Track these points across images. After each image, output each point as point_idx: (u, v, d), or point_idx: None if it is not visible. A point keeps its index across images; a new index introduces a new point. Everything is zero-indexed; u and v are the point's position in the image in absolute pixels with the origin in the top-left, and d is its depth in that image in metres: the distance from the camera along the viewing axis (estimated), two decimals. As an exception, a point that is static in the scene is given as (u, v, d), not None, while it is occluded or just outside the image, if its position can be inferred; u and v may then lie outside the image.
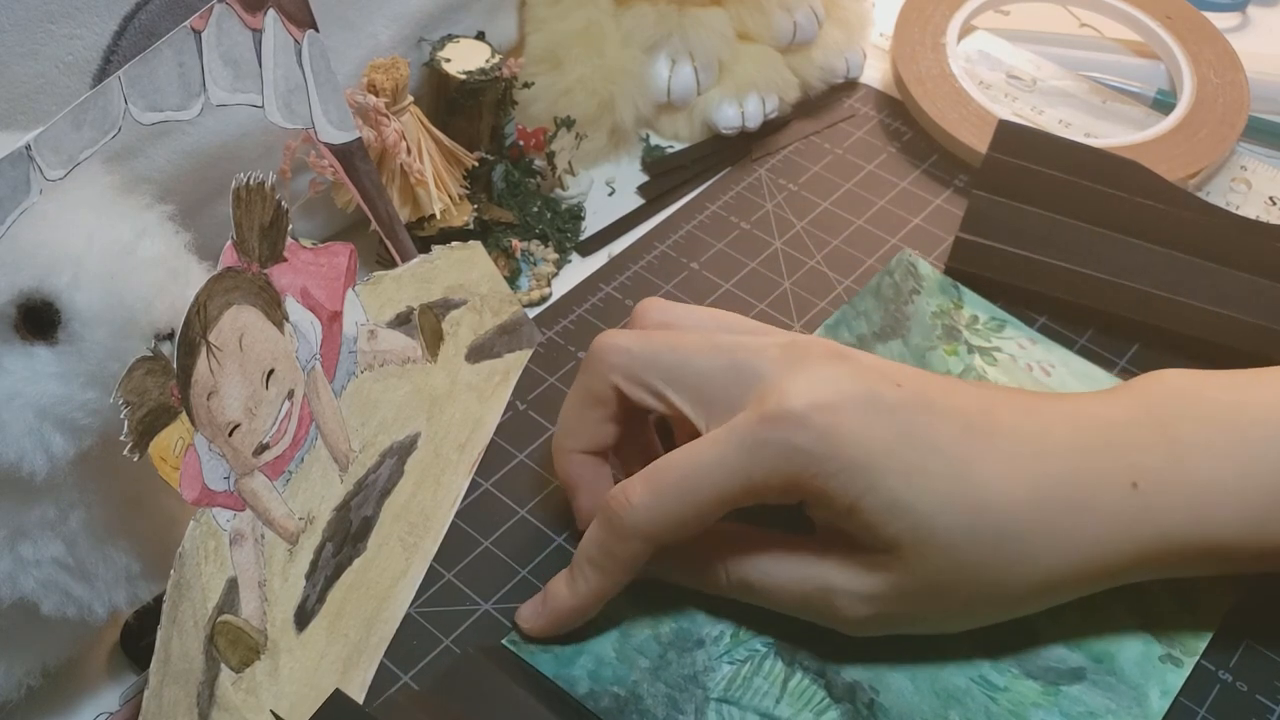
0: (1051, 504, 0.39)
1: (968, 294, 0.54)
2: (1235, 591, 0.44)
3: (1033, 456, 0.39)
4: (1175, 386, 0.42)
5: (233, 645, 0.37)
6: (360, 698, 0.40)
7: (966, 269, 0.54)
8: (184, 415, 0.35)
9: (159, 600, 0.35)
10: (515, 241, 0.55)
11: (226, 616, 0.36)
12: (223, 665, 0.36)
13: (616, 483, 0.41)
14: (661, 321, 0.43)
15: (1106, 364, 0.52)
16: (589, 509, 0.43)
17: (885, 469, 0.37)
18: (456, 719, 0.39)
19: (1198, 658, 0.42)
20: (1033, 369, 0.51)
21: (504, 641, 0.42)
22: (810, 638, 0.42)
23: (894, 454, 0.38)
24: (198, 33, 0.38)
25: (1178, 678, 0.42)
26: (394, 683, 0.41)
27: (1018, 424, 0.40)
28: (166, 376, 0.35)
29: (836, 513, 0.39)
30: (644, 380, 0.41)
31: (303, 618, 0.39)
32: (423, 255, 0.47)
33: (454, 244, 0.49)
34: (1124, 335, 0.53)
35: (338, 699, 0.38)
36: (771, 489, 0.38)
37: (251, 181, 0.38)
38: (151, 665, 0.35)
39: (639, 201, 0.60)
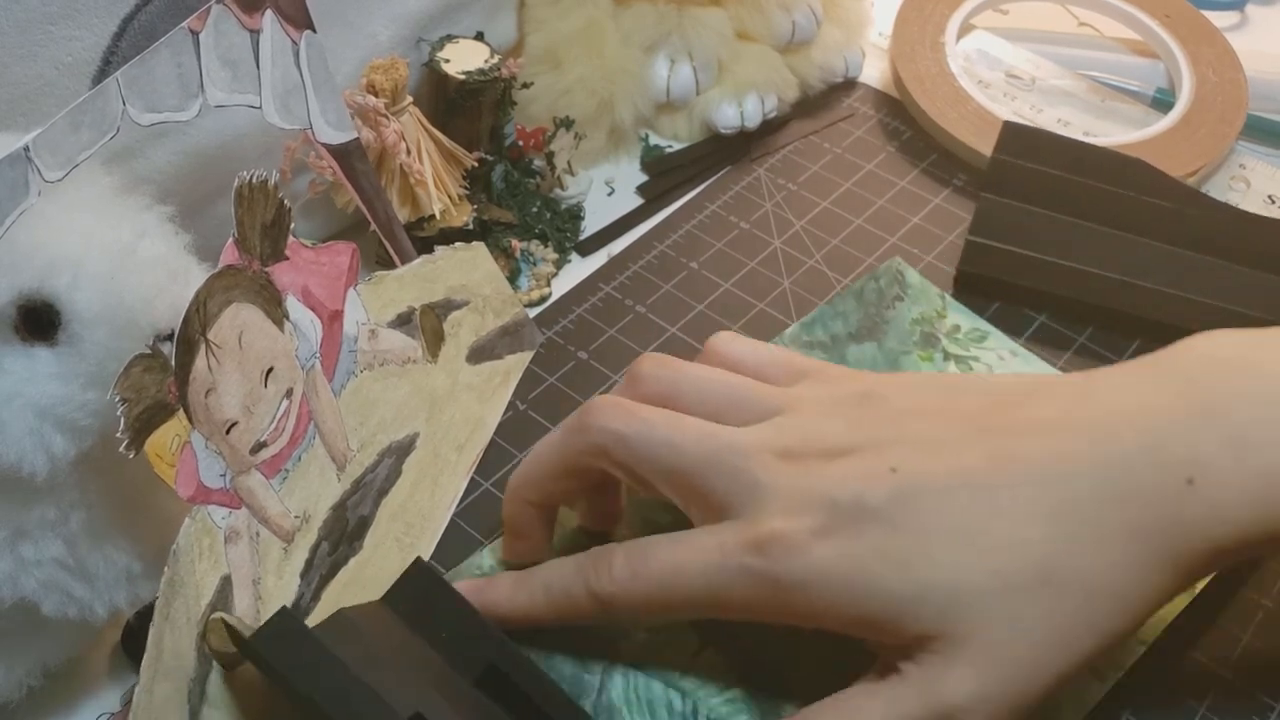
0: (1091, 530, 0.35)
1: (953, 303, 0.53)
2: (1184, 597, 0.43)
3: (1060, 497, 0.36)
4: (1217, 358, 0.38)
5: (225, 643, 0.37)
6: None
7: (977, 271, 0.54)
8: (181, 412, 0.35)
9: (160, 600, 0.36)
10: (515, 241, 0.55)
11: (220, 614, 0.37)
12: (214, 663, 0.36)
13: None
14: (660, 392, 0.41)
15: (1106, 363, 0.52)
16: (522, 553, 0.43)
17: (877, 575, 0.35)
18: (404, 630, 0.39)
19: (1121, 673, 0.41)
20: None
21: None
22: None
23: (888, 555, 0.36)
24: (195, 34, 0.38)
25: (1097, 692, 0.40)
26: (393, 681, 0.41)
27: (1035, 461, 0.36)
28: (164, 373, 0.35)
29: (839, 626, 0.37)
30: (635, 471, 0.39)
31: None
32: (425, 255, 0.47)
33: (457, 244, 0.49)
34: (1124, 332, 0.53)
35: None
36: (753, 611, 0.37)
37: (254, 180, 0.38)
38: (143, 661, 0.35)
39: (638, 201, 0.60)
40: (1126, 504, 0.36)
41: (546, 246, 0.56)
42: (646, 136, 0.62)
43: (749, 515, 0.37)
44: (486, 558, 0.43)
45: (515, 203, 0.57)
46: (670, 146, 0.62)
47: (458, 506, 0.46)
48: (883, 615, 0.36)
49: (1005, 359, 0.51)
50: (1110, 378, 0.39)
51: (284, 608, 0.34)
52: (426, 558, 0.44)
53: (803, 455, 0.38)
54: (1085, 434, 0.37)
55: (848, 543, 0.36)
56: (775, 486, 0.37)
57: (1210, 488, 0.35)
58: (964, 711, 0.35)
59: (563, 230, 0.57)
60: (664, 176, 0.61)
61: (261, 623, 0.35)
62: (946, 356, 0.51)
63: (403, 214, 0.52)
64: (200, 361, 0.36)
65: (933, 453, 0.37)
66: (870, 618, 0.36)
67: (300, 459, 0.40)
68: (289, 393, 0.40)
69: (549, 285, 0.55)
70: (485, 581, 0.41)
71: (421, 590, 0.40)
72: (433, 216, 0.52)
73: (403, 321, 0.46)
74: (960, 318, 0.53)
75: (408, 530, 0.44)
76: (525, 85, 0.57)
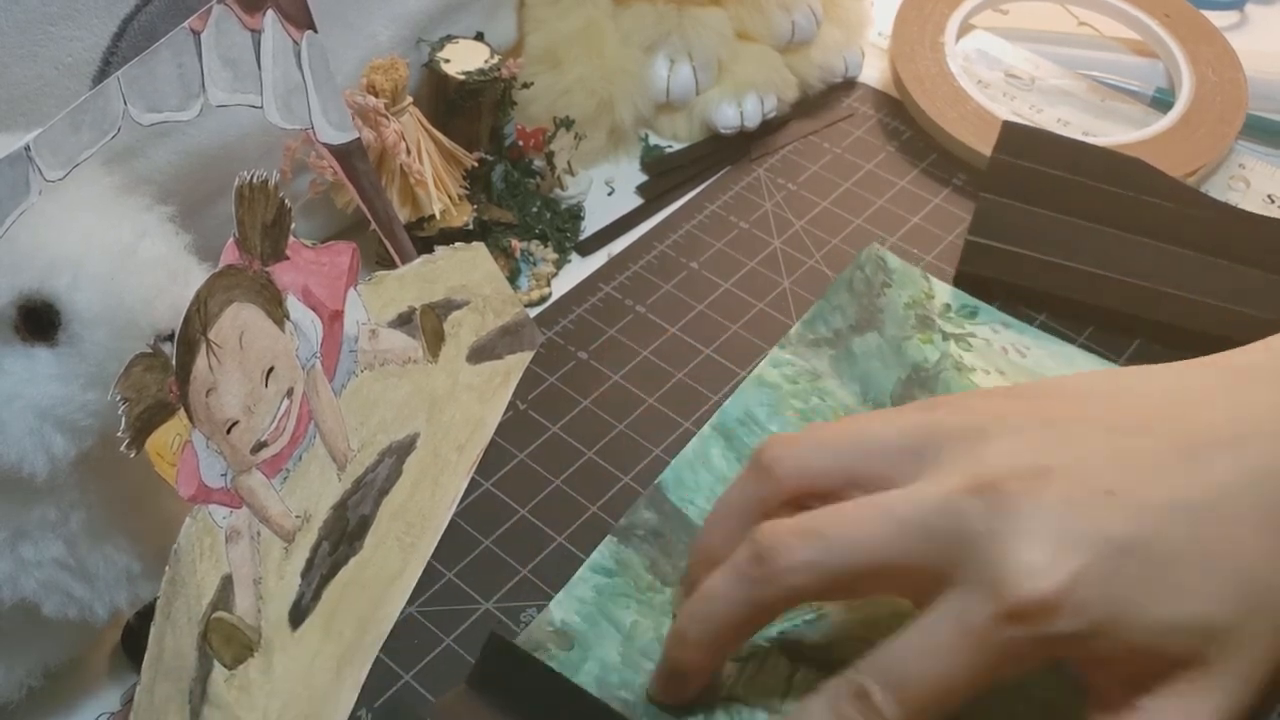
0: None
1: (937, 283, 0.54)
2: None
3: (1258, 512, 0.36)
4: None
5: (226, 642, 0.37)
6: (353, 697, 0.40)
7: (977, 271, 0.54)
8: (182, 412, 0.35)
9: (160, 600, 0.36)
10: (515, 241, 0.55)
11: (220, 613, 0.37)
12: (216, 662, 0.36)
13: None
14: (793, 476, 0.39)
15: (1106, 363, 0.52)
16: (685, 696, 0.40)
17: (1140, 608, 0.35)
18: (499, 714, 0.39)
19: None
20: (1008, 351, 0.52)
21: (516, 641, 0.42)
22: (813, 633, 0.42)
23: (1146, 587, 0.35)
24: (196, 34, 0.38)
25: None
26: (395, 681, 0.41)
27: (1225, 477, 0.37)
28: (165, 373, 0.35)
29: (1102, 664, 0.36)
30: (836, 588, 0.37)
31: (297, 616, 0.40)
32: (426, 255, 0.47)
33: (457, 244, 0.49)
34: (1124, 332, 0.53)
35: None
36: (1019, 675, 0.36)
37: (255, 179, 0.38)
38: (144, 661, 0.35)
39: (638, 201, 0.60)
40: None
41: (546, 246, 0.57)
42: (646, 136, 0.62)
43: (986, 578, 0.35)
44: (555, 611, 0.43)
45: (515, 203, 0.57)
46: (670, 146, 0.62)
47: (458, 506, 0.46)
48: (1145, 646, 0.35)
49: (999, 331, 0.53)
50: (1263, 384, 0.40)
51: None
52: (427, 557, 0.45)
53: (1006, 502, 0.36)
54: (1251, 444, 0.37)
55: (1107, 583, 0.35)
56: (996, 542, 0.35)
57: None
58: None
59: (563, 230, 0.57)
60: (664, 176, 0.61)
61: (263, 623, 0.35)
62: (945, 336, 0.52)
63: (403, 214, 0.52)
64: (201, 361, 0.36)
65: (1136, 466, 0.37)
66: (1132, 648, 0.35)
67: (301, 458, 0.40)
68: (289, 392, 0.40)
69: (549, 285, 0.55)
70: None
71: (504, 666, 0.40)
72: (433, 216, 0.52)
73: (403, 321, 0.46)
74: (947, 295, 0.54)
75: (408, 530, 0.44)
76: (525, 85, 0.57)
